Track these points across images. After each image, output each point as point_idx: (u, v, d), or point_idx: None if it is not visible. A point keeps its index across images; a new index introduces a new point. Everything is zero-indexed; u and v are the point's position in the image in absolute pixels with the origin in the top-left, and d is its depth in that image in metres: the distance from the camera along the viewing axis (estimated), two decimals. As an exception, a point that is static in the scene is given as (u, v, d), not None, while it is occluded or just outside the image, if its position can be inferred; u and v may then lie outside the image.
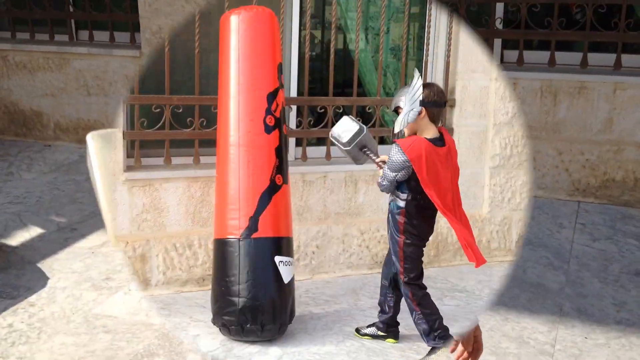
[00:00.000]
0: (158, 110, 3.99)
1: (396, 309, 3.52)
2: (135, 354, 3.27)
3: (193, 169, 4.09)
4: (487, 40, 4.05)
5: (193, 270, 4.11)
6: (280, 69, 3.58)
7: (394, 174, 3.21)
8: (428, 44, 4.71)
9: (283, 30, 4.23)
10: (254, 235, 3.39)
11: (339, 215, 4.50)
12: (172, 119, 4.00)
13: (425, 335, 3.32)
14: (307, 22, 4.31)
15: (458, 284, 4.46)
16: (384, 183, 3.28)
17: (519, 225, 5.03)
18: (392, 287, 3.48)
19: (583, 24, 4.19)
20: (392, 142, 3.25)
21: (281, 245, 3.48)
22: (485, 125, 4.83)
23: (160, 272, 4.04)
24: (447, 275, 4.62)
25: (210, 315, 3.70)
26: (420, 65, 4.89)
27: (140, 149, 3.99)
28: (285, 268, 3.46)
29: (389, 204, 3.36)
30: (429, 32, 4.69)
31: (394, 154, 3.18)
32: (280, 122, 3.54)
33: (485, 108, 4.82)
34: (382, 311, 3.55)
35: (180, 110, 4.04)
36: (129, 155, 4.03)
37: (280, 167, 3.50)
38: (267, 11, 3.58)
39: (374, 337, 3.55)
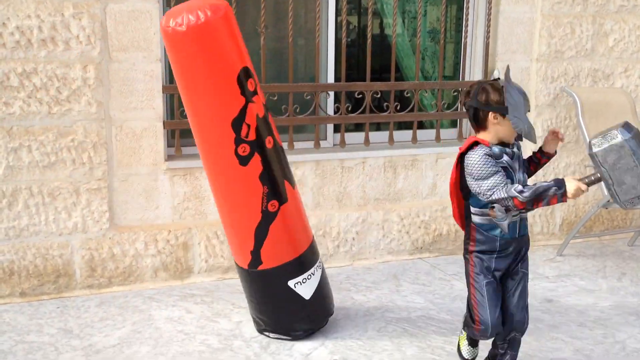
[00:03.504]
0: (197, 99, 4.02)
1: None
2: (180, 341, 3.29)
3: (232, 157, 4.10)
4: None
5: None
6: (243, 76, 2.86)
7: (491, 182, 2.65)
8: (467, 26, 4.64)
9: (319, 16, 4.22)
10: (260, 268, 3.15)
11: (379, 201, 4.48)
12: (211, 108, 4.02)
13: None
14: (343, 7, 4.28)
15: (500, 268, 4.41)
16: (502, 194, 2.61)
17: (562, 208, 4.95)
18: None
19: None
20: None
21: (292, 268, 3.17)
22: (526, 108, 4.75)
23: (203, 260, 4.09)
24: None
25: (252, 302, 3.75)
26: (458, 47, 4.83)
27: (180, 138, 4.02)
28: (302, 287, 3.21)
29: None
30: (467, 14, 4.63)
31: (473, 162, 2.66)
32: (258, 144, 2.95)
33: (527, 89, 4.73)
34: None
35: (219, 99, 4.06)
36: (169, 144, 4.08)
37: (271, 192, 3.02)
38: (214, 10, 2.72)
39: None
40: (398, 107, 4.50)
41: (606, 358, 3.23)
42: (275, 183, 3.05)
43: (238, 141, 2.90)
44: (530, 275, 4.25)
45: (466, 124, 4.82)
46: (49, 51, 3.60)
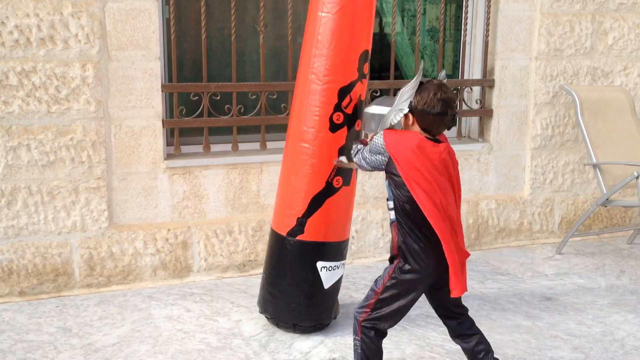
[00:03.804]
0: (196, 98, 4.02)
1: (473, 336, 2.78)
2: (179, 339, 3.30)
3: (232, 155, 4.11)
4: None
5: (234, 257, 4.15)
6: (364, 57, 3.13)
7: (367, 154, 2.66)
8: (466, 24, 4.64)
9: (318, 14, 4.21)
10: (299, 237, 3.21)
11: (378, 200, 4.48)
12: (210, 107, 4.03)
13: None
14: (343, 5, 4.27)
15: (499, 266, 4.42)
16: (360, 160, 2.72)
17: (561, 206, 4.95)
18: (445, 319, 2.85)
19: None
20: None
21: (327, 251, 3.25)
22: (525, 106, 4.76)
23: (202, 259, 4.09)
24: (488, 259, 4.58)
25: (251, 301, 3.74)
26: (458, 46, 4.83)
27: (179, 137, 4.02)
28: (327, 273, 3.27)
29: None
30: (466, 12, 4.63)
31: (376, 138, 2.63)
32: (351, 119, 3.14)
33: (526, 88, 4.74)
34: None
35: (218, 98, 4.07)
36: (168, 143, 4.08)
37: (342, 168, 3.18)
38: None
39: None
40: (397, 106, 4.50)
41: (605, 356, 3.24)
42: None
43: (337, 108, 3.11)
44: (529, 273, 4.30)
45: (465, 122, 4.82)
46: (48, 50, 3.60)
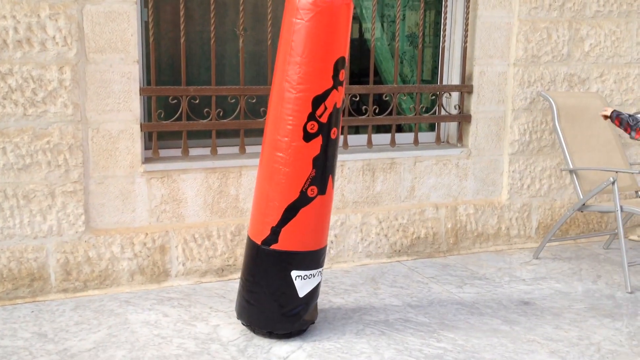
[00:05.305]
0: (175, 101, 4.00)
1: None
2: (157, 345, 3.27)
3: (210, 159, 4.09)
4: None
5: (212, 261, 4.13)
6: (339, 64, 3.09)
7: None
8: (445, 31, 4.67)
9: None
10: (273, 247, 3.20)
11: (357, 204, 4.49)
12: (189, 110, 4.01)
13: None
14: (322, 10, 4.28)
15: (477, 271, 4.44)
16: None
17: (538, 211, 5.00)
18: None
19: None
20: None
21: (301, 260, 3.23)
22: (503, 111, 4.80)
23: (180, 263, 4.06)
24: (466, 263, 4.60)
25: (229, 305, 3.73)
26: (437, 51, 4.86)
27: (157, 141, 4.00)
28: (303, 282, 3.25)
29: None
30: (445, 19, 4.66)
31: None
32: (326, 128, 3.11)
33: (504, 94, 4.78)
34: None
35: (197, 101, 4.05)
36: (146, 147, 4.05)
37: (317, 178, 3.15)
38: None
39: None
40: (377, 111, 4.52)
41: (581, 360, 3.27)
42: (324, 172, 3.18)
43: (311, 117, 3.07)
44: (506, 278, 4.32)
45: (444, 127, 4.85)
46: (25, 52, 3.56)
